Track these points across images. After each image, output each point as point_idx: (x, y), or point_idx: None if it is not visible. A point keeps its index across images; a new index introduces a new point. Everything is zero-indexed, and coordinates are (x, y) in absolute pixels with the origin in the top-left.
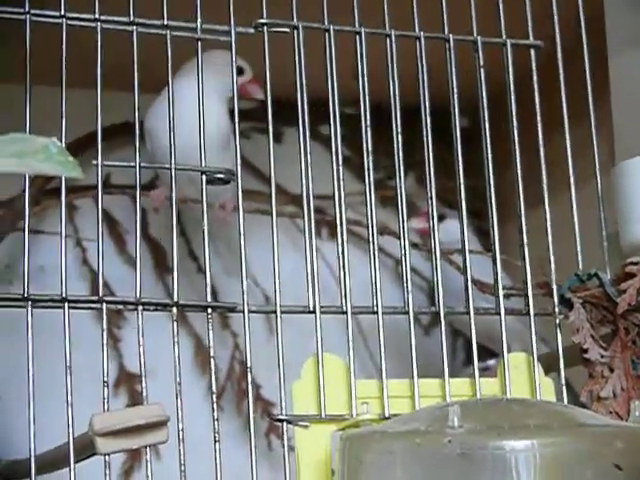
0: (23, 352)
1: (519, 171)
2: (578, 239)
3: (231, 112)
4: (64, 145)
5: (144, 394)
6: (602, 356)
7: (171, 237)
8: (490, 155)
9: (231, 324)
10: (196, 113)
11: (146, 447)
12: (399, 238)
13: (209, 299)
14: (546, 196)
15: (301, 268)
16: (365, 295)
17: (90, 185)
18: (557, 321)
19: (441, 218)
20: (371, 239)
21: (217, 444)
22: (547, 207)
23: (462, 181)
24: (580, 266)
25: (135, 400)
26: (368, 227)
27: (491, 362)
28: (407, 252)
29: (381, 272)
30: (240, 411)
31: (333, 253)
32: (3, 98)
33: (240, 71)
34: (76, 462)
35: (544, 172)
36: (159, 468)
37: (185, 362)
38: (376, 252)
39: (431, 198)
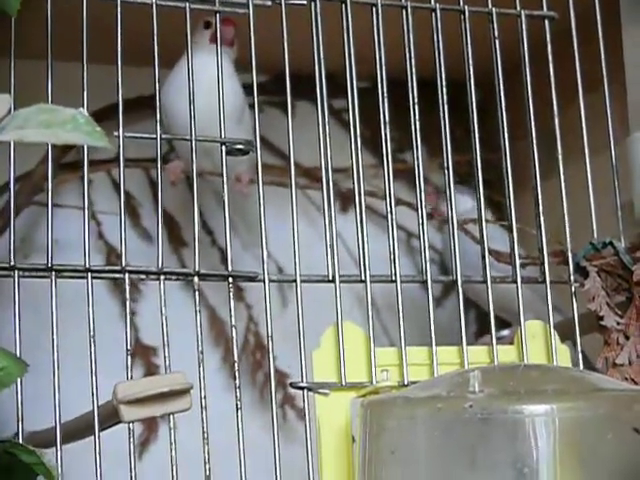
0: (43, 323)
1: (534, 142)
2: (593, 208)
3: (244, 86)
4: None
5: (166, 363)
6: (618, 323)
7: (192, 209)
8: (505, 126)
9: (245, 296)
10: (210, 85)
11: (169, 415)
12: (416, 209)
13: (229, 269)
14: (561, 166)
15: (312, 239)
16: (378, 267)
17: (104, 159)
18: (573, 289)
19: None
20: (389, 210)
21: (239, 412)
22: (562, 177)
23: (478, 152)
24: (595, 235)
25: (151, 371)
26: (385, 199)
27: (505, 332)
28: (424, 222)
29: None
30: (254, 382)
31: (345, 226)
32: (22, 74)
33: (208, 25)
34: (100, 431)
35: (559, 142)
36: (175, 438)
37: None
38: (394, 223)
39: (447, 168)
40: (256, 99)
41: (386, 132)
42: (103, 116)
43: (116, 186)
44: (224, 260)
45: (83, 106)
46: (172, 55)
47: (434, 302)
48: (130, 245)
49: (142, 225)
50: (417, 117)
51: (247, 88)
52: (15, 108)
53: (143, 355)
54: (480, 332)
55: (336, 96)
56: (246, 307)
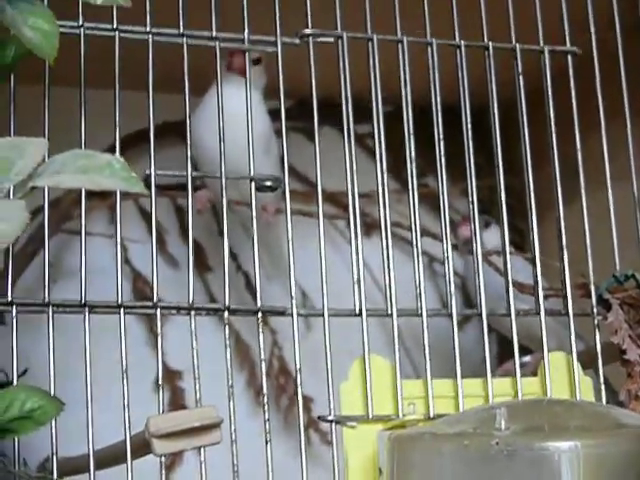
0: (72, 351)
1: (557, 175)
2: (615, 240)
3: (270, 112)
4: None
5: (197, 396)
6: None
7: (218, 236)
8: (529, 159)
9: (269, 321)
10: (238, 118)
11: (200, 448)
12: (441, 241)
13: (259, 304)
14: (584, 199)
15: (338, 267)
16: (400, 291)
17: None
18: (596, 322)
19: (487, 224)
20: (414, 244)
21: (268, 444)
22: (585, 210)
23: (502, 183)
24: (617, 266)
25: (177, 396)
26: (411, 232)
27: (526, 358)
28: (449, 256)
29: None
30: (279, 406)
31: (369, 251)
32: (56, 100)
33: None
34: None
35: (582, 175)
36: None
37: (223, 356)
38: (419, 257)
39: (472, 203)
40: (284, 139)
41: (412, 168)
42: (129, 144)
43: (143, 213)
44: (249, 285)
45: (115, 136)
46: (197, 81)
47: (456, 325)
48: (158, 276)
49: (168, 251)
50: (442, 152)
51: (272, 114)
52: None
53: (169, 379)
54: (501, 356)
55: (359, 121)
56: (271, 332)
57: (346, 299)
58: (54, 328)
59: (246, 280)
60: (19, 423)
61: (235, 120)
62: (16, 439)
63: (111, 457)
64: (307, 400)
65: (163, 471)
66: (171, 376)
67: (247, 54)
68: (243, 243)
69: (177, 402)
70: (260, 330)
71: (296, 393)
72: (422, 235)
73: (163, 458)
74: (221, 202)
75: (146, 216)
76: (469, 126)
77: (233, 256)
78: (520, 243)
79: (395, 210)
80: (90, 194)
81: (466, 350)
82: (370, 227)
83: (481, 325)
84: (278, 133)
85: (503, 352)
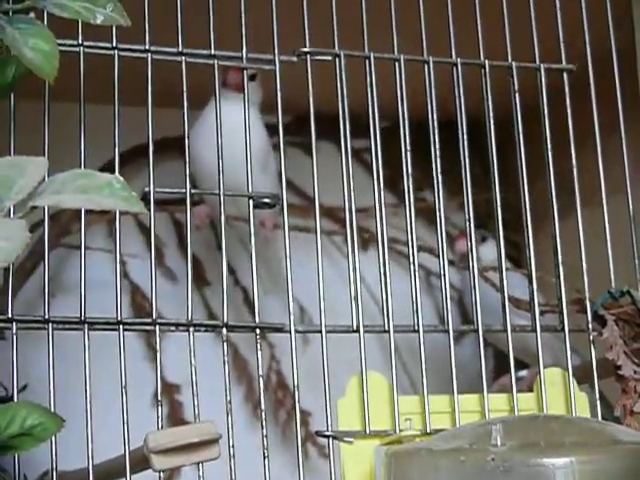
0: (71, 367)
1: (553, 191)
2: (610, 256)
3: (267, 126)
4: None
5: (195, 412)
6: (635, 372)
7: (220, 262)
8: (525, 175)
9: (267, 335)
10: (235, 135)
11: (198, 463)
12: (438, 257)
13: (257, 320)
14: (579, 216)
15: (335, 282)
16: (397, 305)
17: None
18: (591, 338)
19: (484, 239)
20: (411, 260)
21: (266, 460)
22: (580, 226)
23: (498, 199)
24: (612, 282)
25: (175, 410)
26: (408, 250)
27: (522, 373)
28: (446, 272)
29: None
30: (276, 420)
31: (365, 265)
32: (56, 115)
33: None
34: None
35: (577, 191)
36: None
37: (221, 371)
38: (416, 273)
39: (469, 220)
40: (282, 155)
41: (409, 184)
42: (128, 159)
43: (141, 227)
44: (247, 299)
45: (115, 152)
46: (196, 97)
47: (453, 341)
48: (156, 292)
49: (166, 265)
50: (439, 168)
51: (270, 129)
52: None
53: (167, 393)
54: (497, 370)
55: (356, 136)
56: (268, 346)
57: (343, 313)
58: (54, 344)
59: (244, 295)
60: (20, 440)
61: (233, 136)
62: (16, 455)
63: (110, 472)
64: (305, 414)
65: None
66: (169, 390)
67: (245, 72)
68: (241, 258)
69: (175, 415)
70: (258, 347)
71: (294, 408)
72: (419, 250)
73: (162, 473)
74: (219, 218)
75: (145, 231)
76: (465, 142)
77: (231, 271)
78: (516, 257)
79: (392, 224)
80: (88, 210)
81: (463, 363)
82: (367, 241)
83: (478, 340)
84: (276, 148)
85: (500, 366)
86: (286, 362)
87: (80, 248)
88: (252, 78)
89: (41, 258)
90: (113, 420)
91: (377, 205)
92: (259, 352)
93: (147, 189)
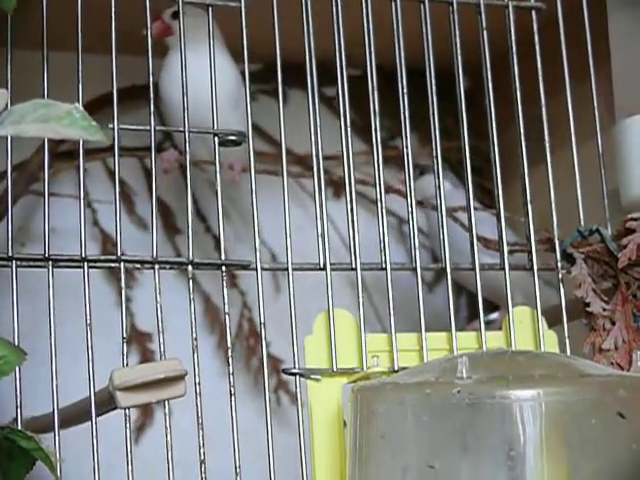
0: (39, 311)
1: (522, 131)
2: (580, 196)
3: (242, 74)
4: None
5: (161, 349)
6: (604, 309)
7: (186, 199)
8: (493, 115)
9: (239, 283)
10: (204, 74)
11: (164, 401)
12: (405, 197)
13: (222, 258)
14: (549, 156)
15: (305, 226)
16: (369, 253)
17: (99, 148)
18: (560, 276)
19: (422, 172)
20: (379, 199)
21: (233, 397)
22: (550, 166)
23: (467, 140)
24: (582, 222)
25: (146, 357)
26: (375, 188)
27: (494, 315)
28: (413, 211)
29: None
30: (249, 368)
31: (337, 212)
32: (17, 64)
33: (175, 16)
34: (97, 416)
35: (546, 132)
36: (171, 424)
37: (190, 317)
38: (384, 212)
39: (436, 157)
40: (248, 96)
41: (376, 123)
42: (97, 106)
43: (111, 175)
44: (218, 247)
45: (78, 97)
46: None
47: (426, 288)
48: (125, 233)
49: (137, 213)
50: (407, 108)
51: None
52: (11, 98)
53: (138, 341)
54: (471, 316)
55: (327, 84)
56: (240, 294)
57: (314, 260)
58: (19, 286)
59: (215, 242)
60: None
61: (200, 77)
62: None
63: (77, 414)
64: (276, 361)
65: (128, 424)
66: (140, 338)
67: (209, 8)
68: (212, 205)
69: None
70: (224, 284)
71: (262, 347)
72: (387, 191)
73: (128, 411)
74: (184, 156)
75: (114, 178)
76: (433, 85)
77: (202, 218)
78: (489, 204)
79: (363, 171)
80: (57, 155)
81: (435, 312)
82: (338, 189)
83: (445, 278)
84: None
85: (473, 312)
86: (257, 311)
87: (43, 181)
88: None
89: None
90: (83, 365)
91: (343, 133)
92: (225, 289)
93: (111, 126)
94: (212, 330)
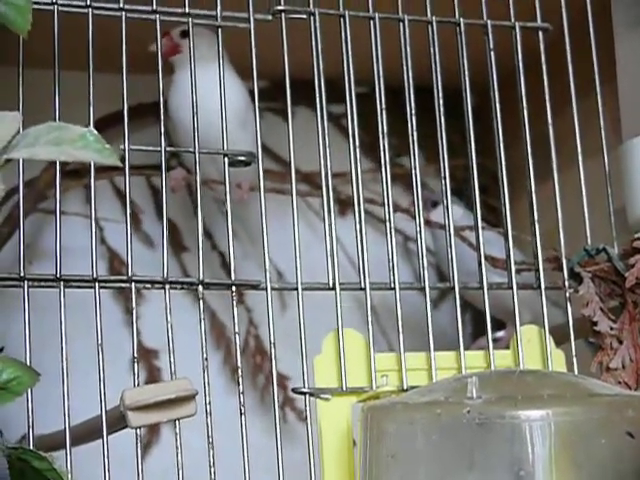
0: (48, 329)
1: (529, 149)
2: (586, 214)
3: (252, 93)
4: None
5: (172, 369)
6: (611, 328)
7: (193, 215)
8: (501, 133)
9: (245, 300)
10: (212, 93)
11: (175, 420)
12: (414, 217)
13: (232, 278)
14: (555, 174)
15: (312, 245)
16: (376, 271)
17: (106, 167)
18: (567, 294)
19: (435, 204)
20: (387, 218)
21: (243, 417)
22: (557, 185)
23: (474, 158)
24: (588, 240)
25: (153, 375)
26: (384, 207)
27: (500, 333)
28: (422, 230)
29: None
30: (255, 385)
31: (343, 230)
32: (28, 83)
33: (184, 34)
34: (107, 435)
35: (553, 150)
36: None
37: (198, 335)
38: (392, 231)
39: (445, 178)
40: (257, 114)
41: (384, 144)
42: (104, 125)
43: (118, 193)
44: (224, 264)
45: (89, 117)
46: (170, 62)
47: (431, 304)
48: (132, 251)
49: (143, 230)
50: (414, 127)
51: (249, 94)
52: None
53: (145, 358)
54: (476, 333)
55: (334, 102)
56: (246, 310)
57: (321, 277)
58: (30, 306)
59: (221, 259)
60: None
61: (208, 97)
62: None
63: (87, 432)
64: (283, 378)
65: (139, 443)
66: (147, 355)
67: (219, 30)
68: (219, 223)
69: (153, 381)
70: (234, 304)
71: (272, 366)
72: (395, 210)
73: (139, 430)
74: (194, 176)
75: (122, 196)
76: (441, 103)
77: (208, 235)
78: (495, 222)
79: (370, 189)
80: (65, 174)
81: (440, 329)
82: (344, 207)
83: (454, 299)
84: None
85: (478, 329)
86: (264, 328)
87: (55, 207)
88: (184, 35)
89: (17, 224)
90: (91, 383)
91: (352, 153)
92: (235, 309)
93: (122, 147)
94: (218, 347)
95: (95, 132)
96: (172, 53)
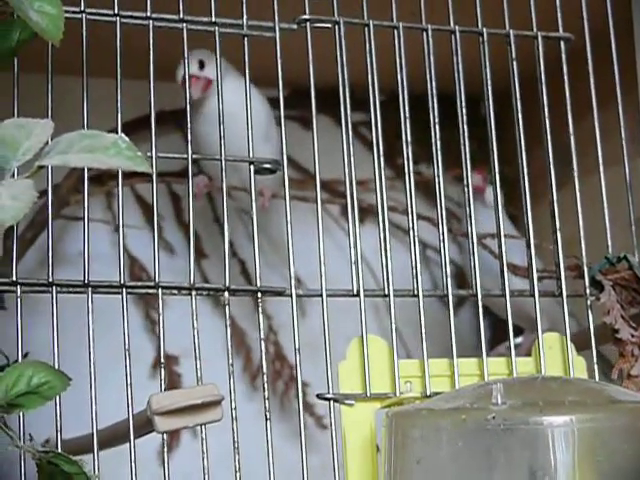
0: (71, 335)
1: (551, 158)
2: (607, 223)
3: (271, 101)
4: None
5: (198, 375)
6: (632, 336)
7: (216, 226)
8: (523, 142)
9: (265, 307)
10: (236, 104)
11: (201, 425)
12: (437, 225)
13: (258, 285)
14: (577, 183)
15: (330, 252)
16: (395, 278)
17: (128, 173)
18: (588, 302)
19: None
20: (410, 226)
21: (268, 422)
22: (578, 193)
23: (497, 166)
24: (609, 248)
25: (173, 381)
26: (407, 215)
27: (519, 339)
28: (445, 239)
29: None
30: (274, 391)
31: (362, 236)
32: (56, 90)
33: (202, 65)
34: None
35: (575, 159)
36: (197, 447)
37: (220, 342)
38: (416, 240)
39: (467, 186)
40: (283, 122)
41: (408, 152)
42: (127, 132)
43: (139, 200)
44: (244, 271)
45: (117, 124)
46: None
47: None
48: (153, 257)
49: (164, 238)
50: (438, 136)
51: (269, 102)
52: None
53: (165, 364)
54: (494, 338)
55: (353, 110)
56: (266, 317)
57: (339, 285)
58: (47, 309)
59: (241, 267)
60: (26, 398)
61: (232, 112)
62: (21, 415)
63: (109, 438)
64: (303, 385)
65: (165, 448)
66: (168, 361)
67: (245, 39)
68: (239, 230)
69: (174, 387)
70: (260, 310)
71: (292, 379)
72: (417, 218)
73: (165, 436)
74: (221, 184)
75: (142, 203)
76: (463, 110)
77: (229, 242)
78: (515, 228)
79: (389, 198)
80: (88, 180)
81: (460, 336)
82: (364, 215)
83: (476, 305)
84: (276, 120)
85: (496, 336)
86: (284, 334)
87: (83, 215)
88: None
89: (42, 229)
90: (111, 389)
91: (376, 162)
92: (260, 315)
93: (149, 154)
94: (238, 353)
95: (127, 139)
96: (206, 89)
